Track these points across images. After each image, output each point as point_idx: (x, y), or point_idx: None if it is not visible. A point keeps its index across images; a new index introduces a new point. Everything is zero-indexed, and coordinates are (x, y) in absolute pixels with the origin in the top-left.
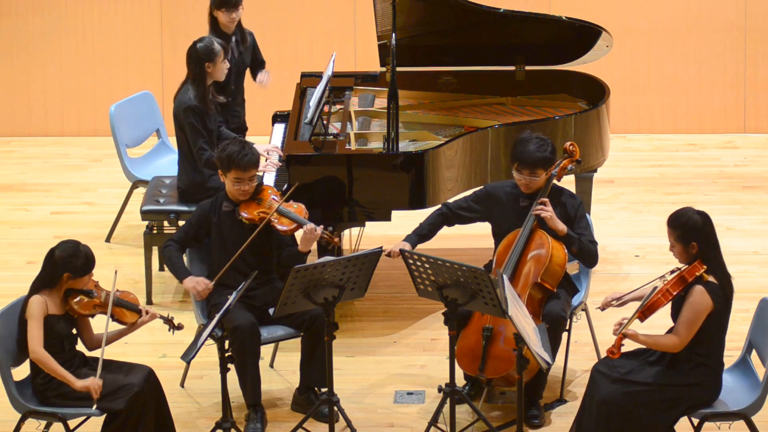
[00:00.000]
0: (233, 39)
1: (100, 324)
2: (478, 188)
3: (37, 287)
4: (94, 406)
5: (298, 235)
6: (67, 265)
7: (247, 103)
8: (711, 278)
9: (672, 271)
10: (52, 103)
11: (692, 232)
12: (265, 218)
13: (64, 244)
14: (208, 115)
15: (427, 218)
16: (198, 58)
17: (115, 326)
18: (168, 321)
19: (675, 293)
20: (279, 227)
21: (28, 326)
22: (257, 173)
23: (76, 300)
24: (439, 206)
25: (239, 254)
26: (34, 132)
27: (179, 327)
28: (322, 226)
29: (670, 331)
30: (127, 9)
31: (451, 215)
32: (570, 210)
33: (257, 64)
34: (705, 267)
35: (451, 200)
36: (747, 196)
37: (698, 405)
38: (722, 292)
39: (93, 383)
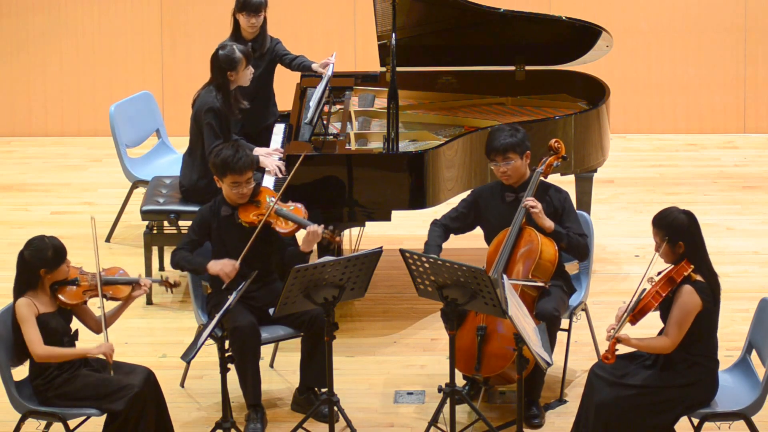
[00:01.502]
0: (249, 45)
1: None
2: (466, 196)
3: (20, 291)
4: (112, 372)
5: (300, 235)
6: (39, 260)
7: None
8: (698, 277)
9: (659, 272)
10: (52, 103)
11: (679, 232)
12: (262, 220)
13: (30, 242)
14: (229, 119)
15: (433, 236)
16: (220, 67)
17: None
18: (163, 282)
19: (664, 294)
20: (279, 229)
21: (23, 331)
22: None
23: (63, 292)
24: (432, 225)
25: (237, 251)
26: (34, 132)
27: (176, 284)
28: (323, 225)
29: (661, 332)
30: (127, 9)
31: (447, 228)
32: (556, 203)
33: (299, 67)
34: (692, 266)
35: (439, 216)
36: (747, 196)
37: (696, 405)
38: (710, 291)
39: (107, 348)
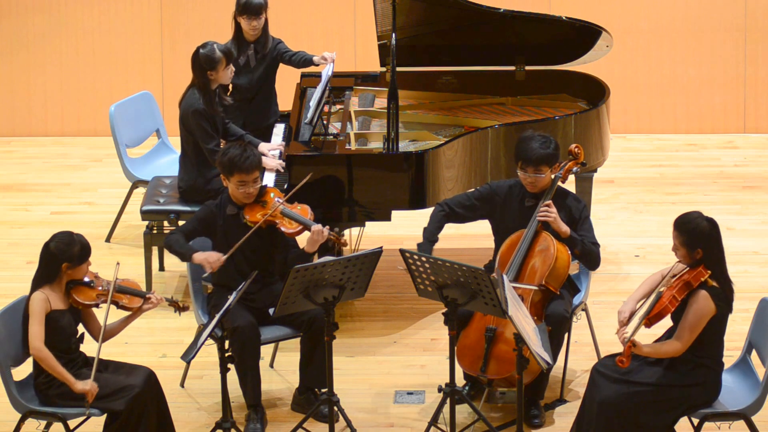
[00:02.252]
0: (251, 47)
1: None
2: (481, 186)
3: (37, 284)
4: (87, 406)
5: (301, 238)
6: (64, 254)
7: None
8: (714, 283)
9: (674, 275)
10: (52, 103)
11: (699, 239)
12: (266, 217)
13: (57, 235)
14: (214, 117)
15: (432, 222)
16: (200, 66)
17: (119, 316)
18: (173, 303)
19: (681, 298)
20: (284, 229)
21: (29, 322)
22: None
23: (77, 291)
24: (438, 205)
25: (241, 251)
26: (34, 132)
27: (185, 308)
28: (328, 227)
29: (668, 332)
30: (127, 9)
31: (452, 214)
32: (575, 213)
33: (301, 62)
34: (709, 272)
35: (450, 198)
36: (747, 196)
37: (698, 405)
38: (725, 297)
39: (92, 387)
